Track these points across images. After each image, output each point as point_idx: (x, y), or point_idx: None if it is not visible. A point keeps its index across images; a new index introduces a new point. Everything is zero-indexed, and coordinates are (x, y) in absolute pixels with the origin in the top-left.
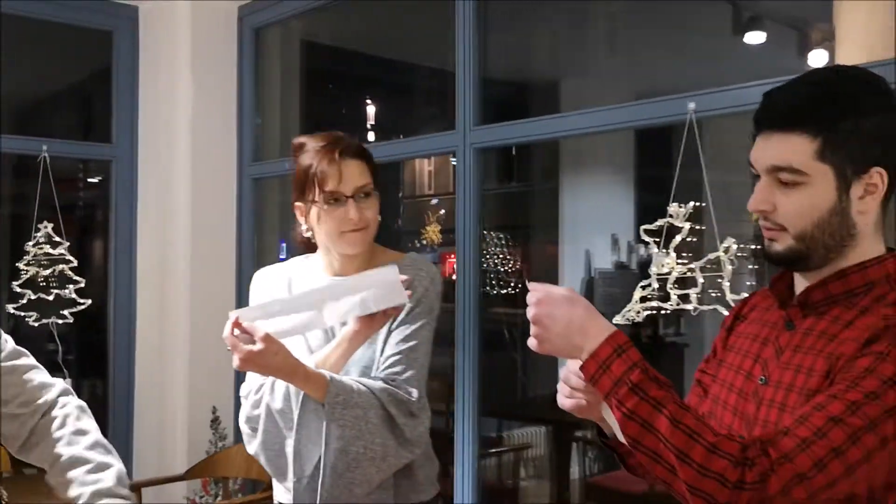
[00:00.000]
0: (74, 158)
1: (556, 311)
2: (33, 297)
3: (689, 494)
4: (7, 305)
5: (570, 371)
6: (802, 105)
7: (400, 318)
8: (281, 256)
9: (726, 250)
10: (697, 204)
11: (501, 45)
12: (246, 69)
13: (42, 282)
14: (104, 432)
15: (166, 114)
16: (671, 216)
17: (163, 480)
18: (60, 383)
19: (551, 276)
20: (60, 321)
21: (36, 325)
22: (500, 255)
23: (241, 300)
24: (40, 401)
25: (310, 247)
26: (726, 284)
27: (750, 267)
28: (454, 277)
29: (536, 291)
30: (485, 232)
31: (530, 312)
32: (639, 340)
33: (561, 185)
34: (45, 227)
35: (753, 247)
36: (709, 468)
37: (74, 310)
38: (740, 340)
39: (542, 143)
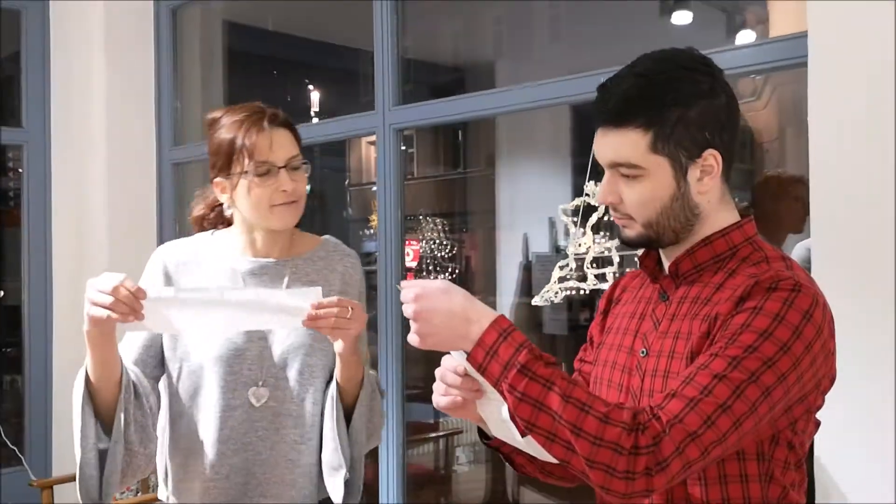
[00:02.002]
0: None
1: (435, 304)
2: None
3: (587, 469)
4: None
5: (445, 368)
6: (631, 100)
7: None
8: None
9: None
10: None
11: (441, 28)
12: (163, 50)
13: None
14: (21, 428)
15: (80, 97)
16: (587, 195)
17: None
18: None
19: (489, 261)
20: None
21: None
22: (437, 241)
23: None
24: None
25: (205, 228)
26: None
27: None
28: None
29: (412, 287)
30: (422, 217)
31: (409, 310)
32: (577, 324)
33: (498, 170)
34: None
35: None
36: (603, 438)
37: None
38: (617, 321)
39: (476, 123)
